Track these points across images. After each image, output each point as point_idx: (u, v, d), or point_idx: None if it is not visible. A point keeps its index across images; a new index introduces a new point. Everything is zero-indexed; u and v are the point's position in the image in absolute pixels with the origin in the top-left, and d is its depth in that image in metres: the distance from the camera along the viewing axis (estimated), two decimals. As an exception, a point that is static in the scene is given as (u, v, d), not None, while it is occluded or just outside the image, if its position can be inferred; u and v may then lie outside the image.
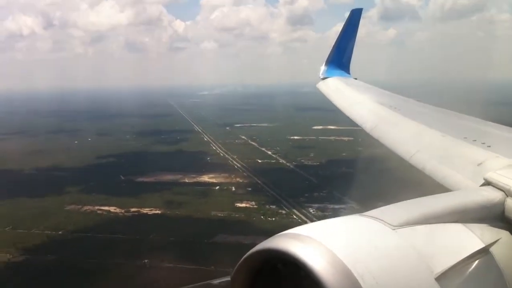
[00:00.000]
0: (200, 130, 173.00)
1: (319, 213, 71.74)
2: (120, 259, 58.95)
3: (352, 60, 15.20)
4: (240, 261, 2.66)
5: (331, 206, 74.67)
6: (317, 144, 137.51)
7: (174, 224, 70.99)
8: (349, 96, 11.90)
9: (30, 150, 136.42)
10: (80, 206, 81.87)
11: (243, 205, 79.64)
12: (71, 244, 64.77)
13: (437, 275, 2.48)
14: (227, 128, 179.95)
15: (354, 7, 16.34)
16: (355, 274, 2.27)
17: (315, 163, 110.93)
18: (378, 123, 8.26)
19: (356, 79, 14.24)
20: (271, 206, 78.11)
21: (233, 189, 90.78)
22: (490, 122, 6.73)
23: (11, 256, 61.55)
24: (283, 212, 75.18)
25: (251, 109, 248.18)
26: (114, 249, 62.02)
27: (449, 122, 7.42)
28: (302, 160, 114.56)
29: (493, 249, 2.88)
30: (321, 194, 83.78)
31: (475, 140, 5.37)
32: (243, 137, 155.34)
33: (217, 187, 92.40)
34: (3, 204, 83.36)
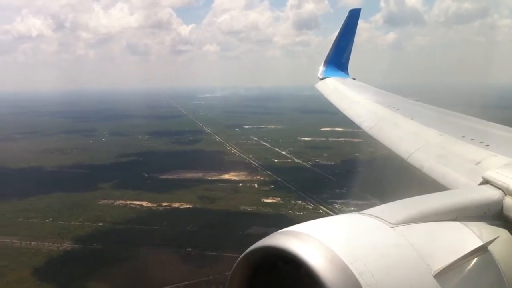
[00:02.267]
0: (210, 131, 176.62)
1: (345, 207, 75.57)
2: (164, 248, 62.61)
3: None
4: (239, 258, 2.68)
5: (354, 202, 78.20)
6: (329, 145, 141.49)
7: (207, 217, 74.76)
8: (347, 96, 11.96)
9: (47, 149, 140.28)
10: (112, 201, 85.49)
11: (269, 200, 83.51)
12: (113, 234, 68.40)
13: (435, 273, 2.50)
14: (237, 129, 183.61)
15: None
16: (354, 272, 2.31)
17: (330, 163, 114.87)
18: (377, 122, 8.34)
19: (354, 79, 14.45)
20: (296, 201, 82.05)
21: (256, 186, 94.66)
22: (488, 122, 6.81)
23: (59, 245, 65.14)
24: (309, 207, 79.08)
25: (256, 111, 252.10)
26: (156, 239, 65.63)
27: (447, 121, 7.44)
28: (317, 160, 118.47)
29: (491, 247, 2.90)
30: (342, 191, 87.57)
31: (473, 139, 5.43)
32: (254, 138, 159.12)
33: (240, 184, 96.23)
34: (37, 199, 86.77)
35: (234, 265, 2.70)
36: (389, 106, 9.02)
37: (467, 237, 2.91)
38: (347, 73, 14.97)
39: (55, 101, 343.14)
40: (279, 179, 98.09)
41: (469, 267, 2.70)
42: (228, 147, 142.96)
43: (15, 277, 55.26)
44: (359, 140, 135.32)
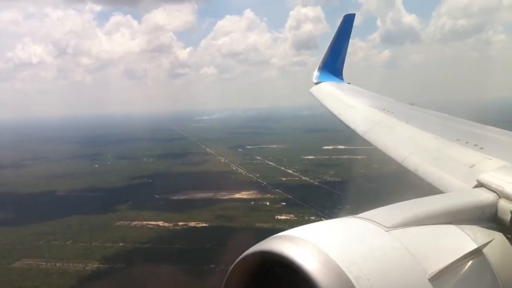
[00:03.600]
0: (214, 153, 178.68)
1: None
2: (188, 265, 64.43)
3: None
4: (234, 263, 2.67)
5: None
6: (333, 162, 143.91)
7: (224, 234, 76.47)
8: (342, 100, 11.93)
9: (55, 174, 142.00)
10: (128, 222, 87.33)
11: (283, 217, 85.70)
12: (136, 253, 70.15)
13: (430, 276, 2.52)
14: (240, 149, 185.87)
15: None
16: (349, 276, 2.31)
17: (337, 179, 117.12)
18: (372, 126, 8.33)
19: (349, 83, 14.42)
20: (310, 217, 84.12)
21: (268, 204, 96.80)
22: (483, 125, 6.79)
23: (84, 265, 66.82)
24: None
25: (257, 132, 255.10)
26: (179, 256, 67.47)
27: (442, 124, 7.43)
28: (325, 177, 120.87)
29: (486, 250, 2.91)
30: (353, 206, 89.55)
31: (468, 142, 5.43)
32: (258, 157, 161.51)
33: (252, 202, 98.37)
34: (55, 222, 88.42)
35: (229, 270, 2.68)
36: (384, 110, 9.04)
37: (462, 240, 2.92)
38: (342, 78, 15.05)
39: (56, 127, 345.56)
40: (290, 197, 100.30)
41: (464, 270, 2.72)
42: (234, 167, 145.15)
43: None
44: (363, 157, 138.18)
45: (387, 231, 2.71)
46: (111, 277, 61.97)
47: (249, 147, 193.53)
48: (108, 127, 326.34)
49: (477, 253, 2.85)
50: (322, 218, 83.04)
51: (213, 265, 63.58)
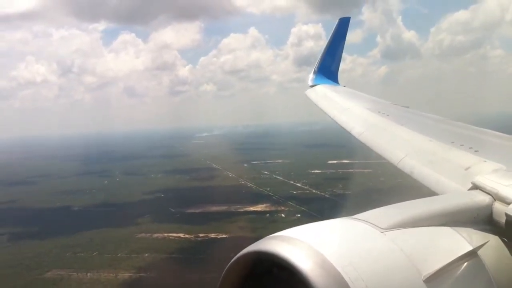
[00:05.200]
0: (220, 168, 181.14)
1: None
2: (216, 274, 66.09)
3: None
4: (229, 263, 2.69)
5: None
6: (340, 176, 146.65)
7: (246, 244, 76.78)
8: (337, 102, 11.92)
9: (66, 190, 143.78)
10: (149, 234, 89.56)
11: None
12: (163, 263, 72.43)
13: (425, 278, 2.52)
14: (245, 165, 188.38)
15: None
16: (345, 277, 2.32)
17: (347, 192, 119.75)
18: (367, 129, 8.38)
19: (344, 86, 14.41)
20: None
21: (283, 216, 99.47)
22: (478, 128, 6.84)
23: (114, 275, 68.89)
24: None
25: (259, 148, 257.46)
26: (206, 266, 69.32)
27: (437, 127, 7.49)
28: (335, 190, 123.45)
29: (481, 252, 2.92)
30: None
31: (463, 145, 5.49)
32: (265, 172, 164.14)
33: (268, 215, 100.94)
34: (77, 236, 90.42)
35: (224, 270, 2.70)
36: (380, 112, 9.09)
37: (457, 242, 2.92)
38: (337, 81, 15.03)
39: (59, 145, 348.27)
40: (303, 209, 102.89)
41: (459, 272, 2.72)
42: (243, 181, 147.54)
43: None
44: (369, 170, 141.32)
45: (382, 232, 2.73)
46: (145, 285, 64.00)
47: (254, 162, 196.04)
48: (109, 145, 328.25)
49: (472, 255, 2.85)
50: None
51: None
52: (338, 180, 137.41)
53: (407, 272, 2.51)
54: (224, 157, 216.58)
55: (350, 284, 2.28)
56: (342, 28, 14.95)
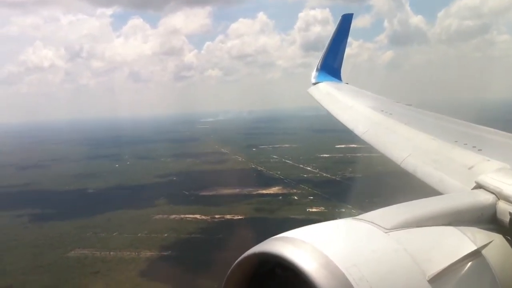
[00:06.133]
0: (228, 152, 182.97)
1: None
2: (237, 252, 67.73)
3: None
4: (233, 264, 2.70)
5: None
6: (349, 160, 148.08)
7: (262, 225, 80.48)
8: (340, 100, 11.88)
9: (79, 174, 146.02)
10: (166, 216, 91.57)
11: (315, 210, 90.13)
12: (183, 243, 74.56)
13: (430, 278, 2.52)
14: (253, 149, 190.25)
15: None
16: (349, 278, 2.32)
17: (358, 175, 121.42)
18: (370, 127, 8.39)
19: (347, 83, 14.36)
20: (340, 209, 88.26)
21: (296, 198, 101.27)
22: (481, 126, 6.78)
23: (137, 253, 71.00)
24: (355, 213, 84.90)
25: (266, 132, 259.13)
26: (226, 245, 71.20)
27: (440, 126, 7.43)
28: (345, 174, 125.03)
29: (485, 252, 2.91)
30: (380, 200, 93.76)
31: (466, 144, 5.47)
32: (274, 156, 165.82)
33: (280, 197, 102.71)
34: (95, 217, 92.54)
35: (229, 271, 2.72)
36: (382, 111, 9.04)
37: (461, 241, 2.92)
38: (340, 78, 14.97)
39: (67, 130, 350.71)
40: (316, 192, 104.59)
41: (463, 271, 2.73)
42: (253, 165, 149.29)
43: (116, 278, 61.44)
44: (377, 154, 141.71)
45: (386, 232, 2.74)
46: (168, 263, 66.11)
47: (262, 146, 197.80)
48: (117, 130, 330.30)
49: (476, 254, 2.86)
50: (353, 211, 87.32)
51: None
52: (347, 164, 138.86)
53: (412, 273, 2.54)
54: (232, 141, 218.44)
55: (354, 285, 2.30)
56: (344, 25, 15.06)
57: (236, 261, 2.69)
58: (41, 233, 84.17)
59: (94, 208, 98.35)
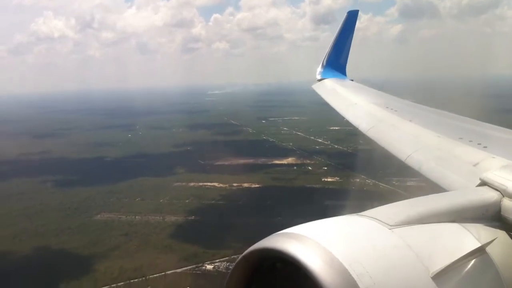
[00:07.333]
0: (239, 124, 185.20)
1: (402, 183, 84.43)
2: (257, 218, 70.78)
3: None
4: (238, 259, 2.71)
5: (408, 179, 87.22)
6: (359, 132, 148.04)
7: (280, 193, 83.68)
8: (345, 97, 11.86)
9: (94, 142, 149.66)
10: (185, 183, 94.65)
11: (330, 179, 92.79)
12: (205, 208, 77.66)
13: (433, 274, 2.52)
14: (263, 121, 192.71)
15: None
16: (352, 274, 2.32)
17: (369, 148, 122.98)
18: (374, 124, 8.43)
19: (352, 80, 14.40)
20: (355, 179, 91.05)
21: (311, 168, 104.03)
22: (486, 123, 6.79)
23: (161, 218, 74.15)
24: (370, 183, 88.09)
25: (274, 105, 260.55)
26: (247, 211, 74.51)
27: (445, 123, 7.38)
28: (356, 146, 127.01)
29: (489, 249, 2.91)
30: (393, 171, 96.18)
31: (471, 141, 5.46)
32: (285, 128, 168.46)
33: (295, 167, 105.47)
34: (116, 184, 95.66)
35: (233, 266, 2.75)
36: (387, 107, 9.05)
37: (465, 238, 2.93)
38: (345, 74, 15.07)
39: (75, 100, 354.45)
40: (330, 162, 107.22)
41: (467, 268, 2.73)
42: (264, 137, 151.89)
43: (146, 239, 65.21)
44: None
45: (390, 229, 2.74)
46: (193, 227, 69.33)
47: (271, 119, 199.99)
48: (126, 100, 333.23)
49: (480, 251, 2.86)
50: (367, 181, 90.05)
51: (280, 218, 70.51)
52: (358, 136, 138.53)
53: (415, 269, 2.54)
54: (241, 113, 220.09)
55: (358, 281, 2.31)
56: (350, 21, 15.12)
57: (240, 256, 2.72)
58: (66, 198, 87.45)
59: (114, 176, 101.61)
